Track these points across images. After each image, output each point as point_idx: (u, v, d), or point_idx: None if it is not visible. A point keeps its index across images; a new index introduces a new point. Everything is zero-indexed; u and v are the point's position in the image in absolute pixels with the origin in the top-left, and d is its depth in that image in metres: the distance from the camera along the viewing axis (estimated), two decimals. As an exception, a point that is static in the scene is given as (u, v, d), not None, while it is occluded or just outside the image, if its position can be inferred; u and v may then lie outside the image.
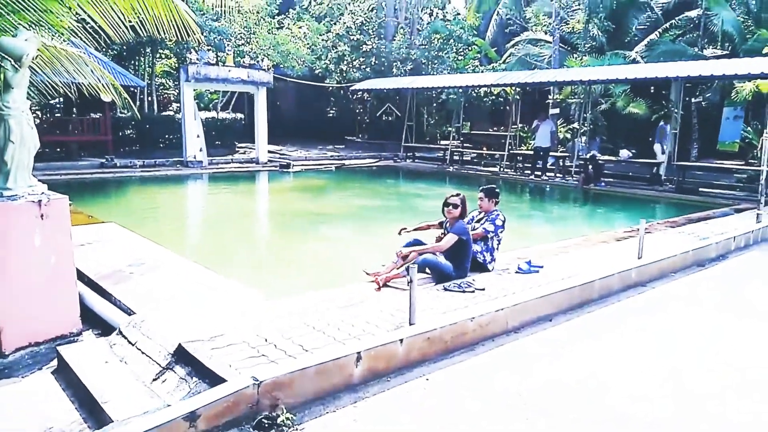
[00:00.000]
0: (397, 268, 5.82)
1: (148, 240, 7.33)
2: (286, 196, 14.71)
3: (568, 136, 19.54)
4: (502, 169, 18.45)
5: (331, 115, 30.33)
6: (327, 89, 27.33)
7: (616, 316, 5.25)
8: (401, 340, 3.88)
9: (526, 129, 19.73)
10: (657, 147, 15.39)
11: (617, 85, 18.20)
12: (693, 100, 19.50)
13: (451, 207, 5.82)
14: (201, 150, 17.45)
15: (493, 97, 24.07)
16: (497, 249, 6.35)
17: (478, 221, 6.51)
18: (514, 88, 19.55)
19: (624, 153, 16.07)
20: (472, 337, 4.34)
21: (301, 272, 7.13)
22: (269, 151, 20.31)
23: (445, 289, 5.31)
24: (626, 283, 6.01)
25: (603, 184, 15.37)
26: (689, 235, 8.22)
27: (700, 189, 14.03)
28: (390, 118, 29.47)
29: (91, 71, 8.17)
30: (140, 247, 7.00)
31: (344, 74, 25.65)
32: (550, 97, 20.27)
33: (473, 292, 5.28)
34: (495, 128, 24.10)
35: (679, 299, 5.88)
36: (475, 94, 23.87)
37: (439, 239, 6.17)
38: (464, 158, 20.72)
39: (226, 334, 4.14)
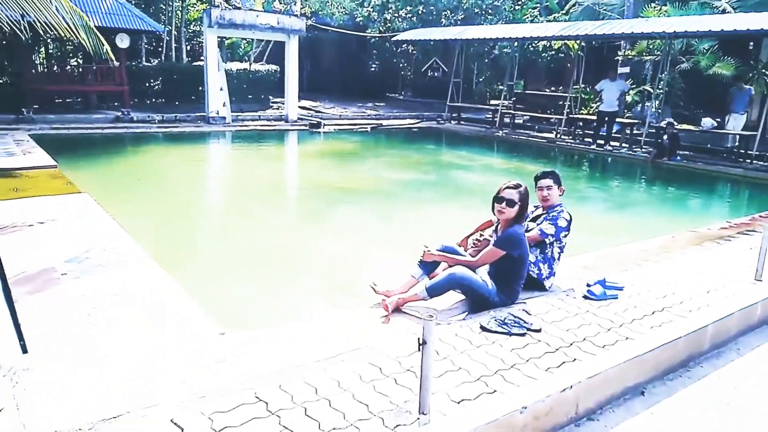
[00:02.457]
0: (417, 281, 4.18)
1: (113, 221, 5.90)
2: (309, 163, 13.03)
3: (637, 99, 17.02)
4: (558, 136, 16.28)
5: (372, 69, 28.29)
6: (369, 41, 25.20)
7: (740, 383, 3.45)
8: (396, 466, 2.25)
9: (588, 90, 17.31)
10: (731, 117, 13.17)
11: (702, 41, 15.47)
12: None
13: (504, 204, 4.05)
14: (224, 105, 15.92)
15: (553, 53, 21.42)
16: (558, 259, 4.58)
17: (532, 219, 4.73)
18: (578, 41, 17.06)
19: (707, 122, 13.60)
20: (520, 439, 2.67)
21: (294, 278, 5.51)
22: (303, 108, 18.67)
23: (483, 329, 3.64)
24: (747, 324, 4.15)
25: (678, 158, 13.10)
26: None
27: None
28: (436, 74, 27.26)
29: (56, 8, 6.69)
30: (99, 231, 5.57)
31: (388, 24, 23.44)
32: (620, 53, 17.64)
33: (524, 335, 3.59)
34: (553, 88, 21.58)
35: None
36: (532, 48, 21.30)
37: (478, 245, 4.46)
38: (515, 121, 18.50)
39: (126, 414, 2.61)
